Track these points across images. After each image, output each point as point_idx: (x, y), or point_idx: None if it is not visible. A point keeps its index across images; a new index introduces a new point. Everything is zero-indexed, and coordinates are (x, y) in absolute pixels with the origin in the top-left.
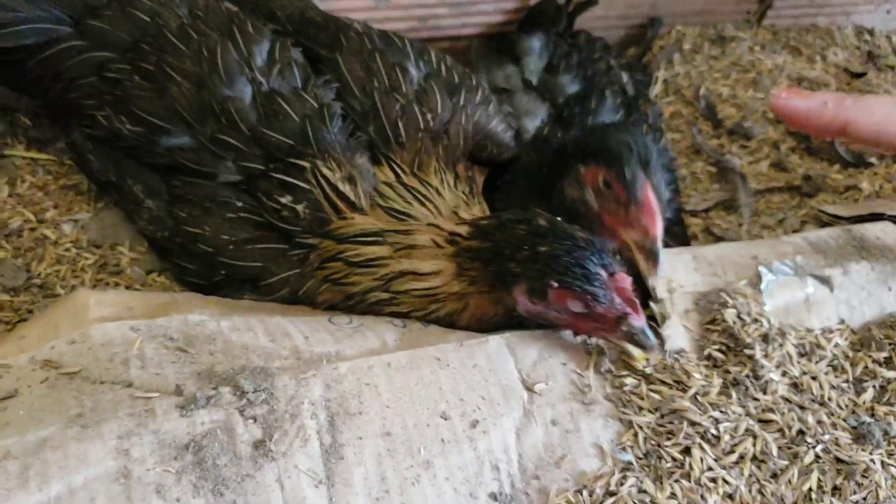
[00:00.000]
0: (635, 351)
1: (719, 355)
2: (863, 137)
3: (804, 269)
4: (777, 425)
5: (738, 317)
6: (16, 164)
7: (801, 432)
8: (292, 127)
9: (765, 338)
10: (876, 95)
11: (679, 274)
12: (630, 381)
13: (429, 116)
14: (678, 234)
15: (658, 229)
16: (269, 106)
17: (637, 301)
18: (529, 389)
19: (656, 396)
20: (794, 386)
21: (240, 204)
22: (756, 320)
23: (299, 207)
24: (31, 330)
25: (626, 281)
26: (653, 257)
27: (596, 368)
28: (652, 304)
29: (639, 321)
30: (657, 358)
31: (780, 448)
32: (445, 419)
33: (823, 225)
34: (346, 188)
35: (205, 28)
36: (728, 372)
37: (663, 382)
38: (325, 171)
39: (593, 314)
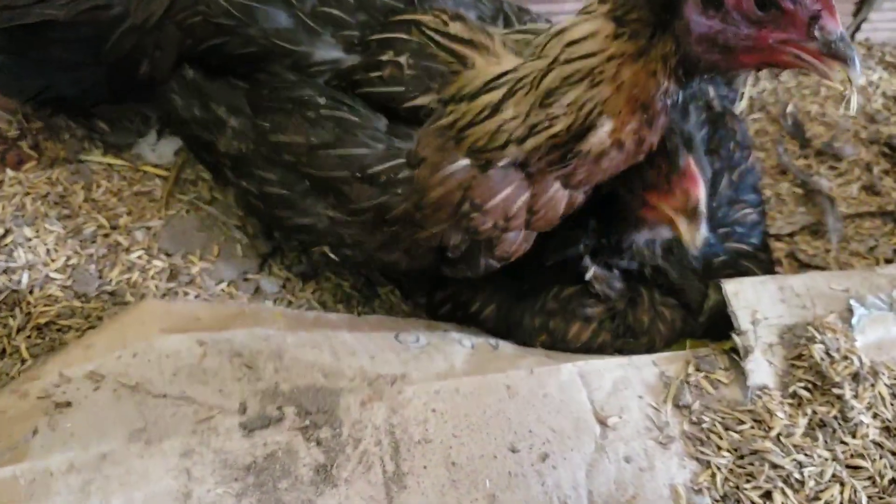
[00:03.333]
0: (835, 70)
1: (805, 394)
2: None
3: None
4: (867, 472)
5: (827, 353)
6: (92, 168)
7: (893, 481)
8: None
9: (855, 377)
10: None
11: (764, 304)
12: (709, 417)
13: (526, 17)
14: (763, 261)
15: (700, 192)
16: None
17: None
18: (602, 423)
19: (736, 436)
20: (887, 430)
21: (322, 101)
22: (846, 357)
23: (402, 58)
24: (99, 339)
25: None
26: (695, 217)
27: (674, 402)
28: (734, 336)
29: (835, 23)
30: (860, 81)
31: (869, 497)
32: (513, 451)
33: None
34: (455, 27)
35: None
36: (814, 412)
37: (744, 421)
38: (429, 18)
39: (781, 16)
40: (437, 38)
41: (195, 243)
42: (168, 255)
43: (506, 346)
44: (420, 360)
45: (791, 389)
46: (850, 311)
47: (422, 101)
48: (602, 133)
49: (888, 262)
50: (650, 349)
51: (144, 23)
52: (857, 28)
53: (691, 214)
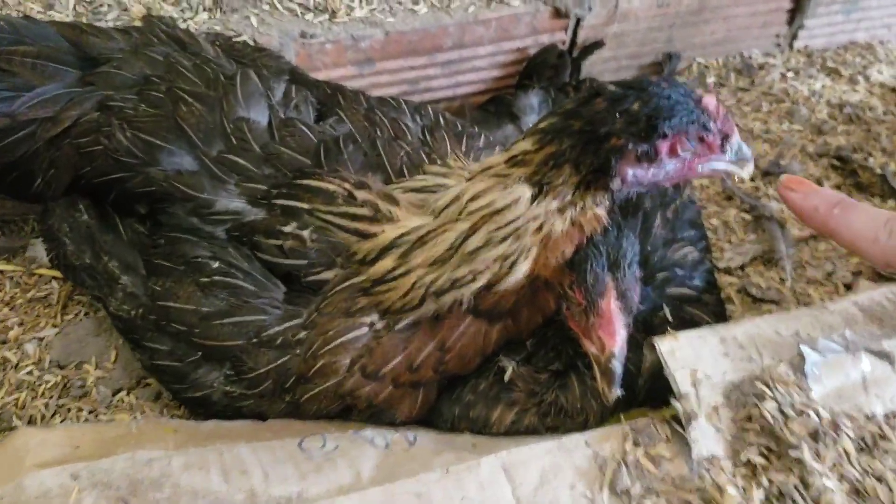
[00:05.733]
0: (741, 170)
1: (759, 460)
2: (844, 247)
3: (857, 344)
4: None
5: (780, 410)
6: None
7: None
8: (307, 146)
9: (814, 435)
10: (859, 206)
11: (705, 362)
12: (652, 501)
13: (438, 160)
14: (710, 303)
15: (616, 346)
16: (286, 129)
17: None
18: None
19: None
20: (856, 492)
21: (216, 265)
22: (802, 413)
23: (305, 233)
24: None
25: (712, 102)
26: (607, 376)
27: (611, 488)
28: (673, 402)
29: (737, 136)
30: (752, 169)
31: None
32: None
33: (880, 277)
34: (360, 196)
35: (219, 67)
36: (771, 481)
37: (691, 502)
38: (332, 187)
39: (704, 147)
40: (338, 221)
41: (91, 350)
42: (61, 367)
43: (425, 439)
44: (322, 472)
45: (743, 457)
46: (802, 357)
47: (326, 275)
48: (520, 275)
49: (847, 286)
50: (585, 426)
51: (40, 132)
52: (794, 37)
53: (604, 369)
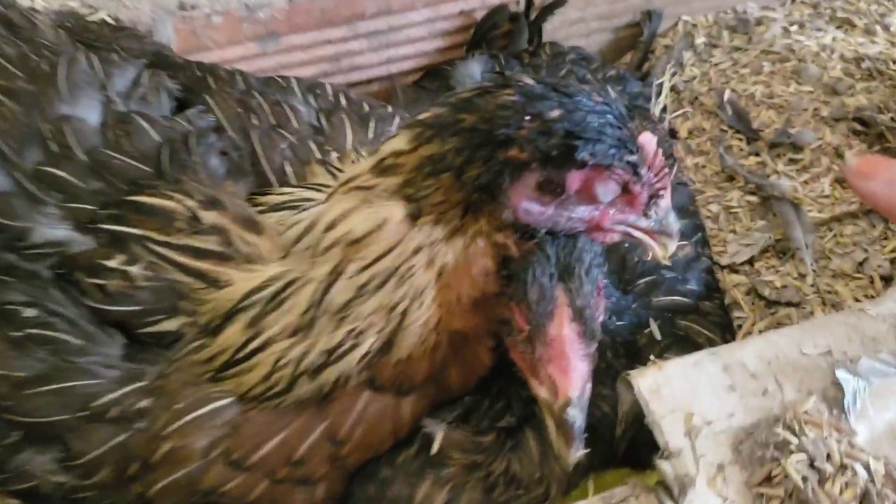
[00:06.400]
0: (660, 245)
1: None
2: None
3: None
4: None
5: (812, 465)
6: None
7: None
8: (145, 149)
9: (864, 499)
10: None
11: (703, 401)
12: None
13: (333, 154)
14: (712, 314)
15: (572, 387)
16: (121, 127)
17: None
18: None
19: None
20: None
21: (32, 314)
22: (844, 467)
23: (134, 269)
24: None
25: (652, 143)
26: (562, 430)
27: None
28: (660, 463)
29: (669, 200)
30: (672, 249)
31: None
32: None
33: None
34: (207, 215)
35: (55, 56)
36: None
37: None
38: (172, 205)
39: (624, 199)
40: (176, 257)
41: None
42: None
43: None
44: None
45: None
46: (839, 386)
47: (167, 326)
48: (418, 331)
49: (886, 279)
50: (545, 500)
51: None
52: None
53: (559, 420)
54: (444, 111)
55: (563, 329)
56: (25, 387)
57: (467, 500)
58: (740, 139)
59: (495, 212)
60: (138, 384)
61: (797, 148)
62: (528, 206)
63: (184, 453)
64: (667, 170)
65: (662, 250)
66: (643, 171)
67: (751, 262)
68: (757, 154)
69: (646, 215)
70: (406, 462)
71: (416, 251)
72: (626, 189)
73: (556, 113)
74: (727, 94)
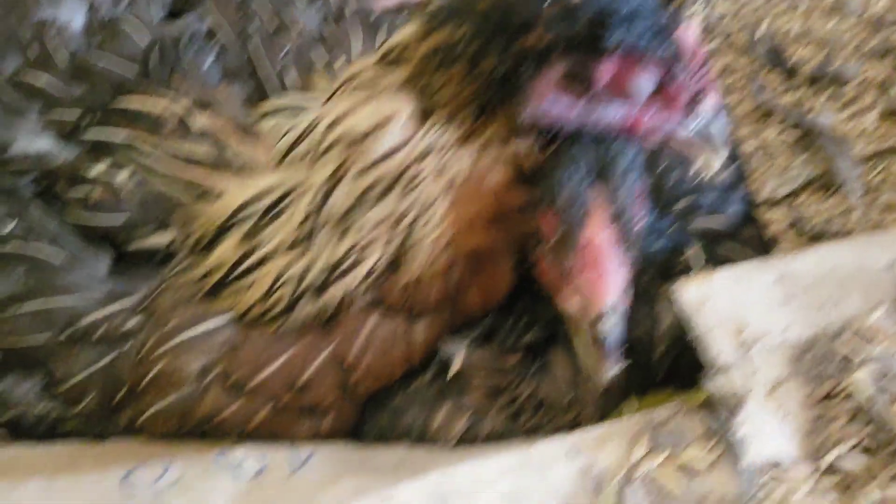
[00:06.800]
0: (705, 157)
1: (856, 462)
2: None
3: None
4: None
5: (879, 382)
6: None
7: None
8: (133, 52)
9: None
10: None
11: (755, 313)
12: None
13: (338, 62)
14: (751, 240)
15: (607, 297)
16: (107, 31)
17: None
18: None
19: None
20: None
21: (10, 228)
22: None
23: (119, 178)
24: None
25: (693, 34)
26: (595, 346)
27: None
28: (708, 380)
29: (713, 101)
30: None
31: None
32: None
33: None
34: (198, 119)
35: None
36: (884, 488)
37: None
38: (163, 105)
39: (663, 97)
40: (164, 166)
41: None
42: None
43: (322, 459)
44: None
45: (829, 459)
46: None
47: (156, 241)
48: (427, 249)
49: None
50: (578, 426)
51: None
52: None
53: (592, 336)
54: None
55: (598, 234)
56: (2, 308)
57: (490, 428)
58: (776, 76)
59: (513, 111)
60: (126, 302)
61: (839, 83)
62: (552, 103)
63: (176, 376)
64: (708, 67)
65: (706, 161)
66: (682, 65)
67: (791, 197)
68: (795, 90)
69: (686, 119)
70: (421, 388)
71: (425, 154)
72: (663, 86)
73: None
74: (761, 31)
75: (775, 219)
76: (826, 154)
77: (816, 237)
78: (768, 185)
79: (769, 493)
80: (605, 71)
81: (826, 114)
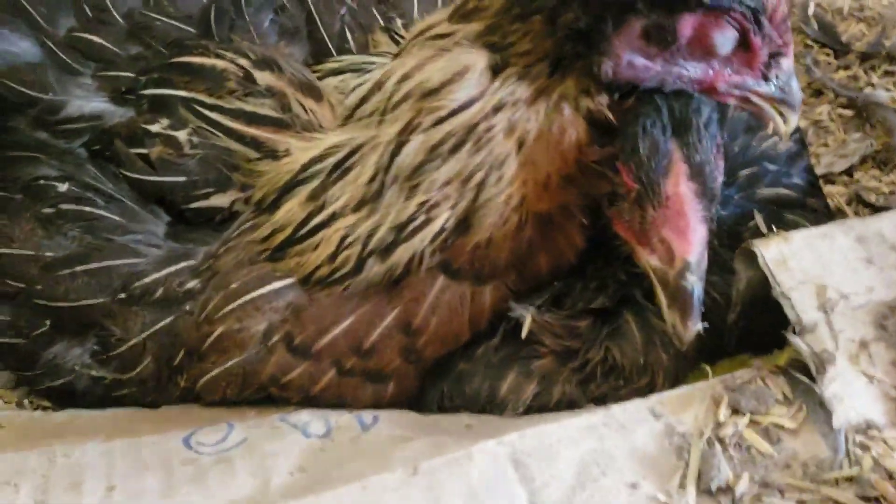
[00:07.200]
0: (782, 115)
1: None
2: None
3: None
4: None
5: None
6: None
7: None
8: (190, 9)
9: None
10: None
11: (837, 273)
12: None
13: (398, 21)
14: (818, 210)
15: (692, 250)
16: None
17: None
18: None
19: None
20: None
21: (64, 188)
22: None
23: (181, 135)
24: None
25: None
26: (679, 301)
27: (700, 486)
28: (792, 338)
29: (791, 62)
30: (795, 122)
31: None
32: None
33: None
34: (262, 76)
35: None
36: None
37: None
38: (223, 64)
39: (741, 57)
40: (228, 122)
41: None
42: None
43: (389, 422)
44: (204, 482)
45: None
46: None
47: (218, 201)
48: (499, 208)
49: None
50: (651, 392)
51: None
52: None
53: (674, 289)
54: None
55: (680, 186)
56: (56, 268)
57: (560, 394)
58: (828, 54)
59: (591, 67)
60: (186, 263)
61: (894, 59)
62: (633, 58)
63: (239, 338)
64: (789, 24)
65: (784, 122)
66: (764, 21)
67: (849, 172)
68: (847, 68)
69: (766, 79)
70: (487, 353)
71: (497, 109)
72: (744, 42)
73: None
74: (812, 8)
75: (835, 193)
76: (885, 127)
77: (880, 209)
78: (824, 160)
79: (865, 455)
80: (686, 27)
81: (881, 90)
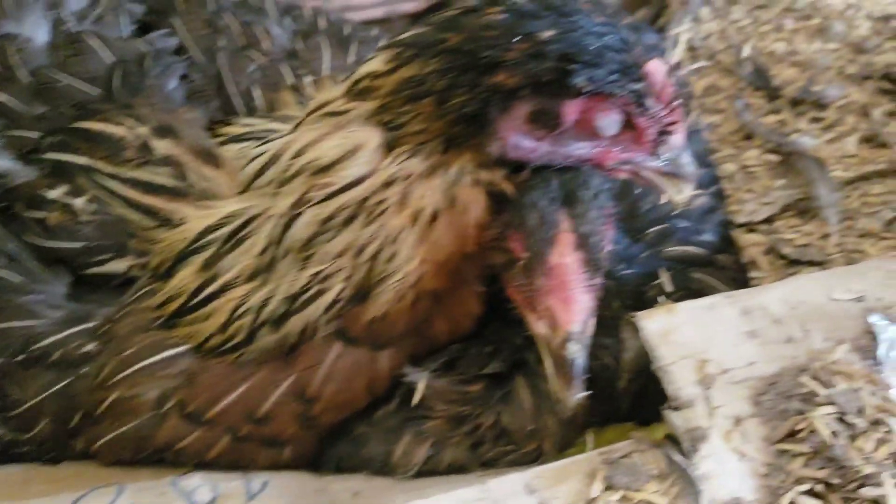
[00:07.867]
0: (672, 189)
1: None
2: None
3: None
4: None
5: (842, 420)
6: None
7: None
8: (96, 70)
9: None
10: None
11: (719, 346)
12: None
13: (307, 78)
14: (728, 268)
15: (574, 319)
16: (72, 47)
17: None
18: None
19: None
20: None
21: None
22: (877, 423)
23: (78, 202)
24: None
25: (660, 71)
26: (562, 368)
27: None
28: (668, 414)
29: (682, 137)
30: (688, 194)
31: None
32: None
33: None
34: (160, 144)
35: None
36: None
37: None
38: (121, 132)
39: (628, 135)
40: (125, 190)
41: None
42: None
43: (275, 490)
44: None
45: (787, 501)
46: (872, 334)
47: (115, 266)
48: (400, 279)
49: None
50: (538, 458)
51: None
52: None
53: (557, 357)
54: (426, 30)
55: (565, 257)
56: None
57: (451, 458)
58: (759, 97)
59: (481, 146)
60: (84, 326)
61: (821, 106)
62: (519, 140)
63: (133, 404)
64: (678, 102)
65: (677, 194)
66: (649, 102)
67: (770, 220)
68: (777, 112)
69: (655, 154)
70: (384, 418)
71: (388, 184)
72: (630, 123)
73: (548, 33)
74: (746, 51)
75: (753, 242)
76: (805, 178)
77: (794, 263)
78: (747, 207)
79: None
80: (571, 111)
81: (807, 137)
